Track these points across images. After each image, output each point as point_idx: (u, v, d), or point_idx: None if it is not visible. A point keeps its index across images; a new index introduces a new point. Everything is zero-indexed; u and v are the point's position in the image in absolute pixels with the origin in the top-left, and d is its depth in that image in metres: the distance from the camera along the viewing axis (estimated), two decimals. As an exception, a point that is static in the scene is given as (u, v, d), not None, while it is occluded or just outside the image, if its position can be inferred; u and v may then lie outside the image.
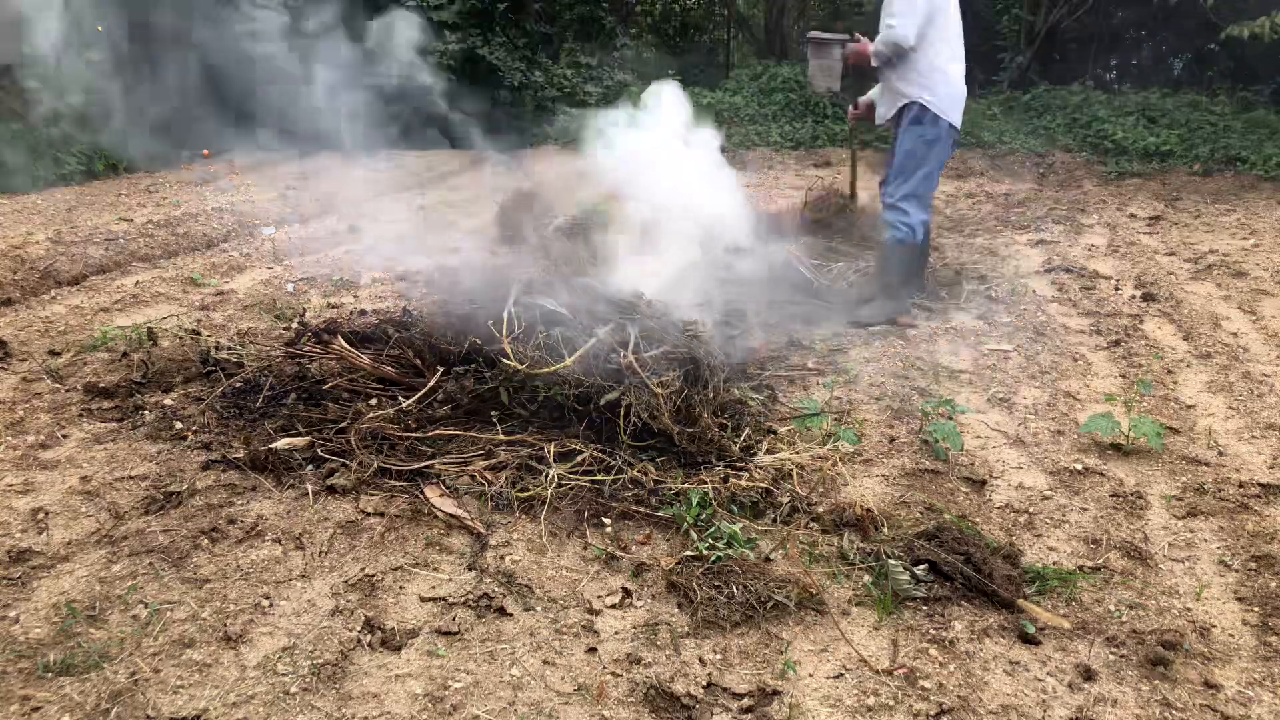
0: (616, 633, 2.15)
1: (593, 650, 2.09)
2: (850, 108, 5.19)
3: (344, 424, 3.06)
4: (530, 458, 2.88)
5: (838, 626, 2.18)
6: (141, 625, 2.14)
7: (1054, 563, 2.46)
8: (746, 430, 3.11)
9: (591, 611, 2.23)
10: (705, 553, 2.39)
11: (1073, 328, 4.49)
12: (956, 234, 6.60)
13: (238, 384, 3.46)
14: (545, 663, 2.05)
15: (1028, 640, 2.13)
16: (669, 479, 2.76)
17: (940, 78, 4.36)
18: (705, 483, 2.72)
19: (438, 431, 3.01)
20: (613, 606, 2.25)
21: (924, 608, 2.25)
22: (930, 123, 4.39)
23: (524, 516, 2.65)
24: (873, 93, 4.86)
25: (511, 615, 2.21)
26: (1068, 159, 9.13)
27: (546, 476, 2.76)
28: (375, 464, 2.84)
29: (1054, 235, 6.53)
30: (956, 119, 4.43)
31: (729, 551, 2.40)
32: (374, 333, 3.64)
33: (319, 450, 2.95)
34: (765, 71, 11.81)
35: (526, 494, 2.71)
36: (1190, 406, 3.54)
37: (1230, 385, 3.71)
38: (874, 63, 4.48)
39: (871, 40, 4.53)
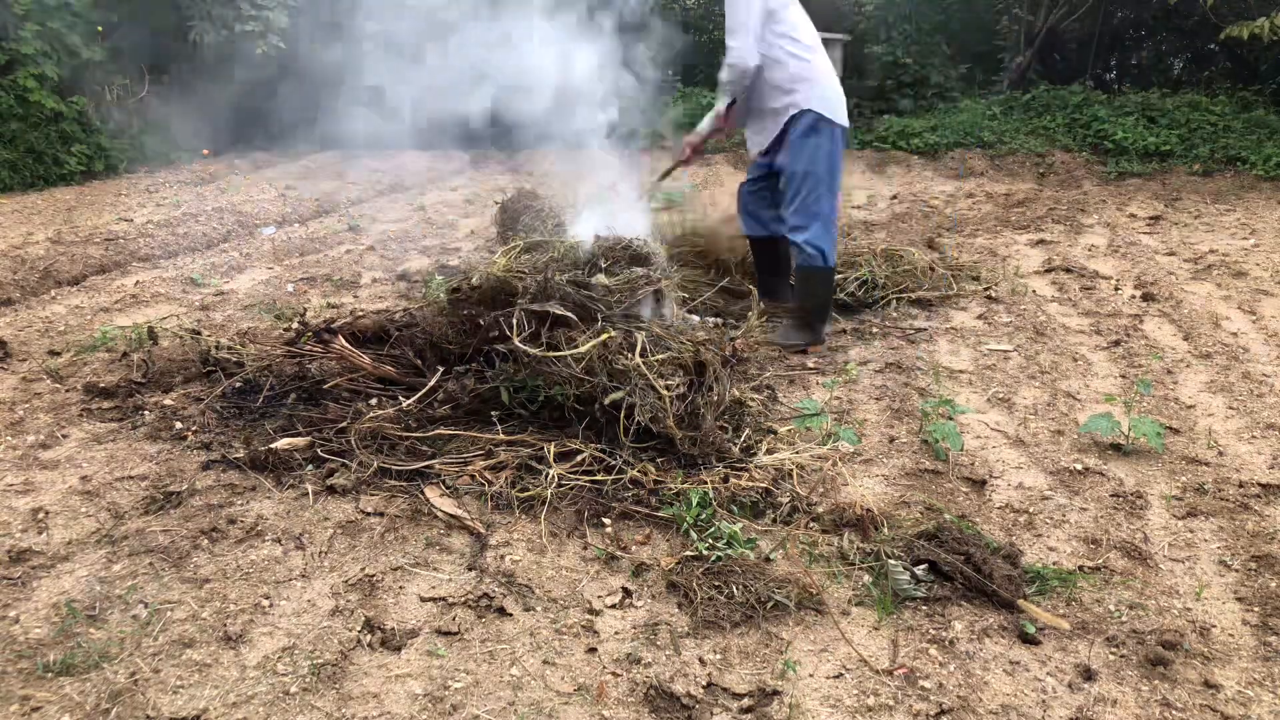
0: (616, 633, 2.15)
1: (593, 650, 2.09)
2: (688, 143, 4.39)
3: (344, 424, 3.06)
4: (530, 458, 2.88)
5: (838, 626, 2.18)
6: (141, 625, 2.14)
7: (1054, 563, 2.46)
8: (746, 430, 3.11)
9: (591, 611, 2.23)
10: (705, 553, 2.39)
11: (1073, 328, 4.49)
12: (956, 234, 6.61)
13: (238, 384, 3.46)
14: (545, 663, 2.05)
15: (1028, 640, 2.13)
16: (669, 479, 2.76)
17: (818, 78, 3.94)
18: (705, 483, 2.72)
19: (438, 431, 3.01)
20: (613, 606, 2.25)
21: (924, 608, 2.25)
22: (826, 131, 3.95)
23: (524, 516, 2.65)
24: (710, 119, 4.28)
25: (511, 615, 2.21)
26: (1068, 159, 9.13)
27: (546, 476, 2.76)
28: (375, 464, 2.84)
29: (1054, 235, 6.53)
30: (844, 120, 4.02)
31: (729, 551, 2.40)
32: (374, 333, 3.64)
33: (319, 450, 2.95)
34: (765, 71, 11.81)
35: (526, 494, 2.71)
36: (1190, 406, 3.54)
37: (1230, 385, 3.72)
38: (728, 100, 4.05)
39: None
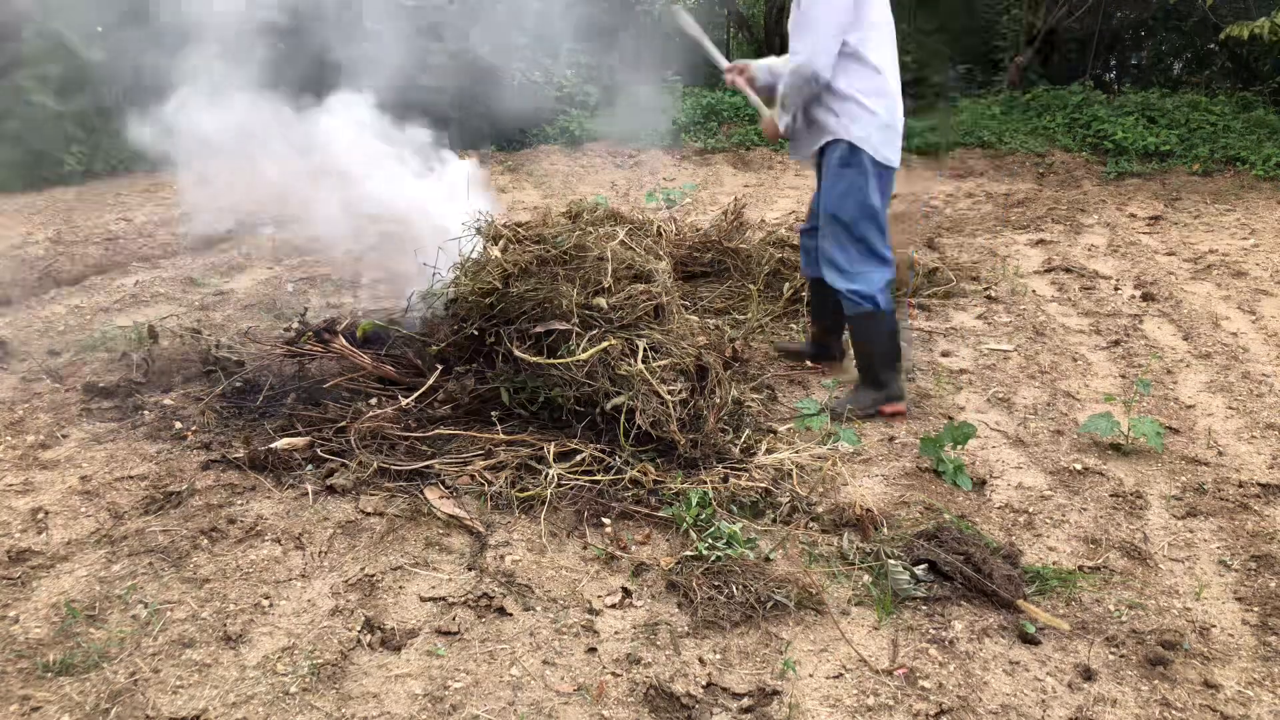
0: (616, 633, 2.15)
1: (593, 650, 2.09)
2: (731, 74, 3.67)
3: (344, 424, 3.06)
4: (530, 458, 2.88)
5: (838, 626, 2.18)
6: (141, 625, 2.14)
7: (1054, 563, 2.46)
8: (746, 430, 3.11)
9: (591, 611, 2.23)
10: (705, 553, 2.39)
11: (1073, 328, 4.49)
12: (956, 234, 6.60)
13: (238, 384, 3.46)
14: (545, 663, 2.05)
15: (1028, 640, 2.13)
16: (669, 479, 2.76)
17: (870, 105, 3.23)
18: (705, 483, 2.72)
19: (438, 431, 3.01)
20: (613, 606, 2.25)
21: (924, 608, 2.25)
22: (859, 166, 3.27)
23: (524, 516, 2.65)
24: (764, 65, 3.67)
25: (511, 615, 2.21)
26: (1068, 159, 9.12)
27: (546, 476, 2.76)
28: (375, 464, 2.84)
29: (1054, 235, 6.53)
30: (895, 156, 3.31)
31: (729, 551, 2.40)
32: (374, 332, 3.64)
33: (319, 450, 2.95)
34: (765, 71, 11.82)
35: (526, 494, 2.71)
36: (1190, 406, 3.54)
37: (1230, 385, 3.72)
38: (789, 111, 3.37)
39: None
